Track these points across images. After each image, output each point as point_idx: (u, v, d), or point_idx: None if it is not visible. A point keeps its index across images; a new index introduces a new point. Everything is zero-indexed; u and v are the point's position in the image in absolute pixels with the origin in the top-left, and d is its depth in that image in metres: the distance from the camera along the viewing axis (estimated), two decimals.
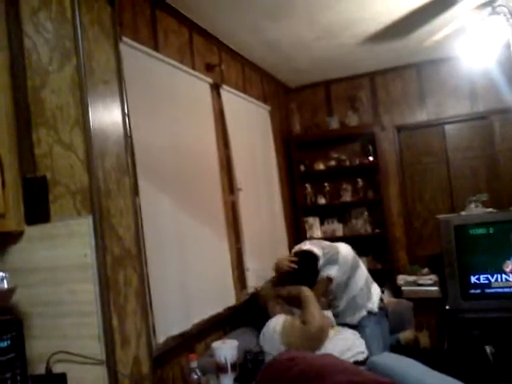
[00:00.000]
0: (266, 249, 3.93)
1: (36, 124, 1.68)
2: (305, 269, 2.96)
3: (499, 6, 3.02)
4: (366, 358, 2.72)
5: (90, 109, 1.65)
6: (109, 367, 1.59)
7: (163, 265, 2.53)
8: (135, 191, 2.12)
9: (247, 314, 3.24)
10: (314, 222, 4.93)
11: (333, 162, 4.88)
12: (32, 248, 1.66)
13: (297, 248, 3.18)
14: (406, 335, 3.45)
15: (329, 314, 3.08)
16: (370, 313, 3.07)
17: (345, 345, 2.78)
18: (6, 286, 1.49)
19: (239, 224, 3.58)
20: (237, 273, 3.45)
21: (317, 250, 3.03)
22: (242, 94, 3.91)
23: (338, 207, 4.93)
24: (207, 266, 3.02)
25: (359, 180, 4.79)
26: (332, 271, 2.97)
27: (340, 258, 3.00)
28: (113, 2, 1.85)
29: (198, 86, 3.22)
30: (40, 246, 1.65)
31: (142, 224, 2.33)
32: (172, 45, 2.96)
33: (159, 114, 2.70)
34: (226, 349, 2.44)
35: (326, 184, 4.92)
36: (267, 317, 2.98)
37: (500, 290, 3.84)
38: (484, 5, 3.06)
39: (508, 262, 3.83)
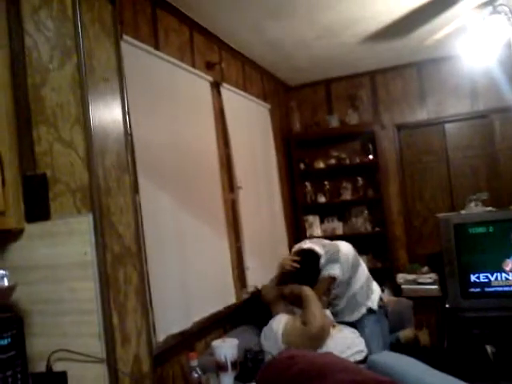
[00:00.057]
0: (266, 247, 3.94)
1: (36, 122, 1.68)
2: (307, 268, 2.96)
3: (500, 5, 3.03)
4: (366, 357, 2.73)
5: (90, 107, 1.65)
6: (109, 365, 1.59)
7: (163, 263, 2.53)
8: (135, 189, 2.12)
9: (247, 312, 3.25)
10: (314, 220, 4.93)
11: (333, 161, 4.88)
12: (32, 246, 1.66)
13: (297, 247, 3.18)
14: (406, 334, 3.46)
15: (328, 312, 3.08)
16: (369, 311, 3.07)
17: (345, 343, 2.78)
18: (6, 283, 1.49)
19: (239, 222, 3.58)
20: (237, 271, 3.45)
21: (318, 249, 3.03)
22: (242, 93, 3.91)
23: (338, 206, 4.93)
24: (207, 264, 3.02)
25: (359, 178, 4.79)
26: (334, 270, 2.96)
27: (341, 256, 3.00)
28: (113, 0, 1.85)
29: (198, 84, 3.22)
30: (40, 243, 1.65)
31: (141, 222, 2.33)
32: (172, 43, 2.96)
33: (159, 112, 2.70)
34: (226, 347, 2.44)
35: (326, 182, 4.92)
36: (268, 315, 2.98)
37: (500, 289, 3.85)
38: (485, 4, 3.06)
39: (508, 260, 3.83)
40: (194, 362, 2.19)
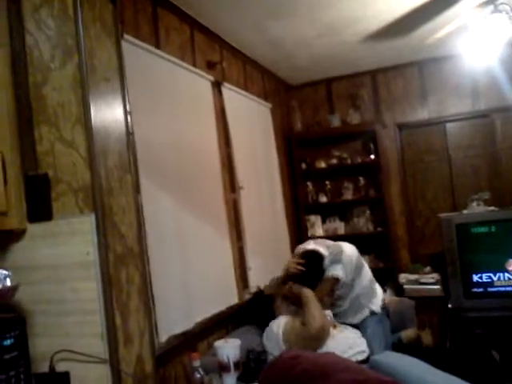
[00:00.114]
0: (268, 247, 3.93)
1: (38, 121, 1.67)
2: (311, 269, 2.96)
3: (501, 3, 3.02)
4: (368, 357, 2.72)
5: (91, 106, 1.64)
6: (112, 366, 1.58)
7: (165, 263, 2.52)
8: (137, 189, 2.11)
9: (250, 312, 3.24)
10: (315, 220, 4.92)
11: (334, 160, 4.87)
12: (34, 246, 1.65)
13: (302, 248, 3.17)
14: (408, 334, 3.45)
15: (329, 313, 3.08)
16: (371, 313, 3.07)
17: (346, 343, 2.78)
18: (8, 284, 1.48)
19: (241, 222, 3.57)
20: (239, 271, 3.44)
21: (322, 250, 3.02)
22: (243, 92, 3.90)
23: (339, 205, 4.93)
24: (209, 264, 3.02)
25: (361, 178, 4.78)
26: (337, 271, 2.96)
27: (344, 257, 3.00)
28: None
29: (199, 83, 3.22)
30: (42, 243, 1.65)
31: (143, 222, 2.32)
32: (173, 42, 2.96)
33: (160, 112, 2.70)
34: (229, 348, 2.44)
35: (327, 182, 4.91)
36: (270, 315, 2.98)
37: (502, 289, 3.84)
38: (486, 3, 3.06)
39: (510, 260, 3.82)
40: (197, 363, 2.18)
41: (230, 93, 3.64)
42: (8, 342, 1.40)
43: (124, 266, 1.72)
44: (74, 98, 1.64)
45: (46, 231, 1.64)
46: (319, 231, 4.90)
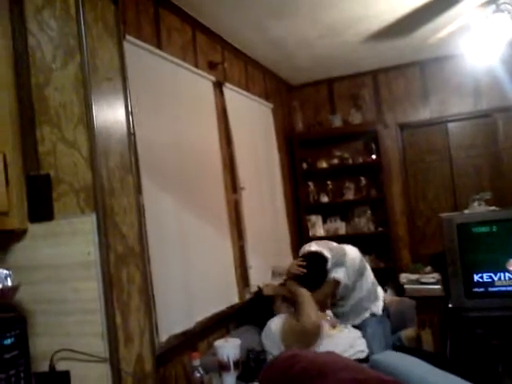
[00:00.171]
0: (269, 247, 3.93)
1: (40, 122, 1.68)
2: (313, 271, 2.96)
3: (503, 3, 3.02)
4: (366, 357, 2.73)
5: (93, 106, 1.65)
6: (112, 365, 1.59)
7: (166, 263, 2.53)
8: (138, 189, 2.12)
9: (250, 312, 3.25)
10: (316, 220, 4.92)
11: (336, 160, 4.87)
12: (35, 246, 1.66)
13: (305, 249, 3.17)
14: (408, 333, 3.45)
15: (329, 313, 3.08)
16: (372, 315, 3.08)
17: (346, 343, 2.78)
18: (9, 283, 1.49)
19: (242, 222, 3.58)
20: (240, 271, 3.45)
21: (325, 252, 3.03)
22: (244, 92, 3.90)
23: (340, 205, 4.92)
24: (210, 264, 3.02)
25: (362, 178, 4.77)
26: (339, 274, 2.96)
27: (347, 260, 3.00)
28: (116, 0, 1.85)
29: (200, 84, 3.22)
30: (43, 243, 1.66)
31: (145, 222, 2.33)
32: (175, 43, 2.96)
33: (162, 112, 2.70)
34: (229, 347, 2.44)
35: (328, 182, 4.91)
36: (270, 315, 2.98)
37: (503, 289, 3.83)
38: (488, 2, 3.05)
39: (511, 260, 3.82)
40: (197, 362, 2.19)
41: (232, 93, 3.64)
42: (8, 341, 1.41)
43: (125, 266, 1.72)
44: (75, 98, 1.65)
45: (48, 231, 1.65)
46: (320, 231, 4.90)
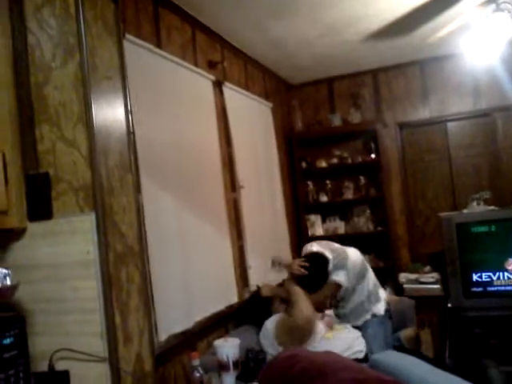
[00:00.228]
0: (268, 246, 3.93)
1: (39, 120, 1.67)
2: (314, 272, 2.96)
3: (503, 2, 3.01)
4: (365, 356, 2.73)
5: (93, 105, 1.65)
6: (111, 364, 1.59)
7: (165, 262, 2.53)
8: (137, 188, 2.12)
9: (249, 311, 3.24)
10: (315, 219, 4.92)
11: (335, 160, 4.86)
12: (34, 245, 1.66)
13: (307, 249, 3.17)
14: (407, 333, 3.45)
15: (331, 313, 3.08)
16: (374, 316, 3.08)
17: (344, 345, 2.78)
18: (8, 282, 1.48)
19: (241, 221, 3.57)
20: (239, 270, 3.45)
21: (327, 253, 3.02)
22: (244, 91, 3.90)
23: (339, 205, 4.92)
24: (209, 263, 3.02)
25: (361, 177, 4.77)
26: (339, 277, 2.96)
27: (349, 263, 3.00)
28: None
29: (200, 83, 3.21)
30: (43, 242, 1.65)
31: (144, 221, 2.32)
32: (175, 42, 2.96)
33: (161, 111, 2.70)
34: (228, 347, 2.44)
35: (327, 181, 4.91)
36: (269, 315, 2.98)
37: (502, 288, 3.83)
38: (488, 2, 3.05)
39: (510, 259, 3.81)
40: (196, 362, 2.19)
41: (231, 92, 3.63)
42: (8, 341, 1.41)
43: (124, 265, 1.72)
44: (75, 97, 1.65)
45: (47, 230, 1.65)
46: (319, 231, 4.90)
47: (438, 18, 3.55)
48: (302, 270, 2.95)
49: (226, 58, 3.61)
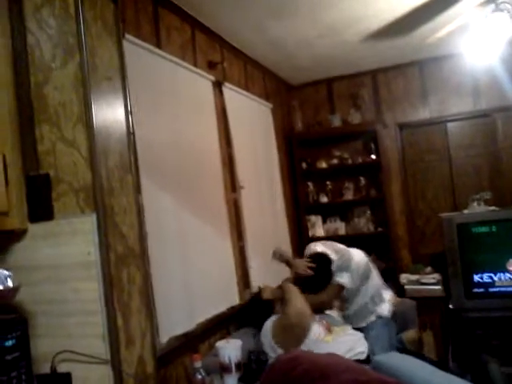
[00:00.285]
0: (269, 247, 3.89)
1: (39, 121, 1.67)
2: (318, 272, 2.95)
3: (502, 2, 3.01)
4: (367, 358, 2.71)
5: (93, 106, 1.64)
6: (113, 367, 1.58)
7: (166, 264, 2.51)
8: (138, 189, 2.11)
9: (251, 313, 3.23)
10: (316, 220, 4.91)
11: (335, 160, 4.86)
12: (35, 246, 1.65)
13: (311, 249, 3.15)
14: (410, 335, 3.43)
15: (336, 314, 3.07)
16: (378, 317, 3.07)
17: (344, 348, 2.75)
18: (10, 284, 1.47)
19: (242, 222, 3.56)
20: (240, 271, 3.43)
21: (331, 254, 3.01)
22: (244, 92, 3.89)
23: (340, 206, 4.92)
24: (210, 264, 3.01)
25: (361, 178, 4.77)
26: (343, 278, 2.95)
27: (352, 264, 2.99)
28: None
29: (200, 83, 3.21)
30: (43, 243, 1.64)
31: (144, 222, 2.31)
32: (174, 42, 2.95)
33: (161, 112, 2.69)
34: (230, 348, 2.43)
35: (328, 182, 4.91)
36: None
37: (503, 289, 3.82)
38: (487, 2, 3.05)
39: (511, 260, 3.81)
40: (198, 364, 2.18)
41: (231, 93, 3.63)
42: (10, 343, 1.40)
43: (125, 266, 1.71)
44: (75, 97, 1.64)
45: (47, 231, 1.64)
46: (320, 231, 4.89)
47: (437, 19, 3.55)
48: (309, 271, 2.94)
49: (225, 59, 3.61)
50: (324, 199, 4.89)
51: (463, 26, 3.28)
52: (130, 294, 1.72)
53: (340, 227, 4.87)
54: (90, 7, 1.70)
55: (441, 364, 3.35)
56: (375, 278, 3.12)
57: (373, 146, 4.70)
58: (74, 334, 1.60)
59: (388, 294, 3.20)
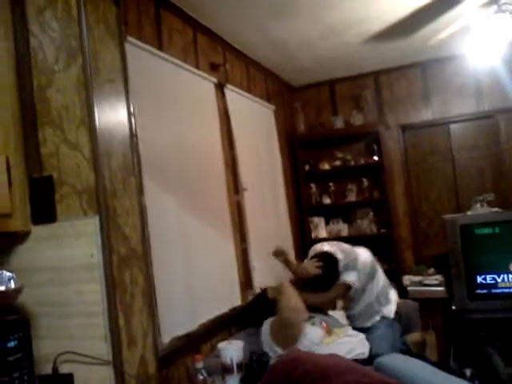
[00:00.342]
0: (272, 248, 3.92)
1: (42, 123, 1.68)
2: (326, 272, 2.95)
3: (504, 3, 3.01)
4: (367, 358, 2.71)
5: (95, 108, 1.65)
6: (115, 367, 1.58)
7: (168, 265, 2.52)
8: (140, 191, 2.12)
9: (253, 314, 3.23)
10: (319, 222, 4.91)
11: (338, 162, 4.86)
12: (38, 248, 1.66)
13: (318, 249, 3.16)
14: (414, 337, 3.42)
15: (342, 315, 3.07)
16: (383, 317, 3.06)
17: (347, 348, 2.76)
18: (13, 285, 1.48)
19: (244, 224, 3.57)
20: (242, 273, 3.44)
21: (338, 254, 3.01)
22: (246, 94, 3.90)
23: (343, 207, 4.92)
24: (212, 265, 3.01)
25: (364, 180, 4.77)
26: (350, 278, 2.95)
27: (359, 263, 2.99)
28: (118, 1, 1.85)
29: (202, 85, 3.21)
30: (46, 245, 1.65)
31: (147, 224, 2.32)
32: (176, 44, 2.96)
33: (163, 114, 2.70)
34: (232, 349, 2.43)
35: (330, 184, 4.91)
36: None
37: (506, 290, 3.81)
38: (489, 3, 3.05)
39: None
40: (200, 364, 2.18)
41: (233, 95, 3.64)
42: (12, 344, 1.41)
43: (128, 268, 1.72)
44: (78, 100, 1.65)
45: (50, 233, 1.65)
46: (323, 233, 4.89)
47: (439, 20, 3.55)
48: (318, 271, 2.95)
49: (227, 61, 3.62)
50: (327, 201, 4.89)
51: (465, 28, 3.28)
52: (133, 295, 1.73)
53: (343, 229, 4.87)
54: (93, 10, 1.71)
55: (441, 364, 3.35)
56: (381, 277, 3.12)
57: (375, 147, 4.70)
58: (76, 336, 1.61)
59: (394, 294, 3.20)
